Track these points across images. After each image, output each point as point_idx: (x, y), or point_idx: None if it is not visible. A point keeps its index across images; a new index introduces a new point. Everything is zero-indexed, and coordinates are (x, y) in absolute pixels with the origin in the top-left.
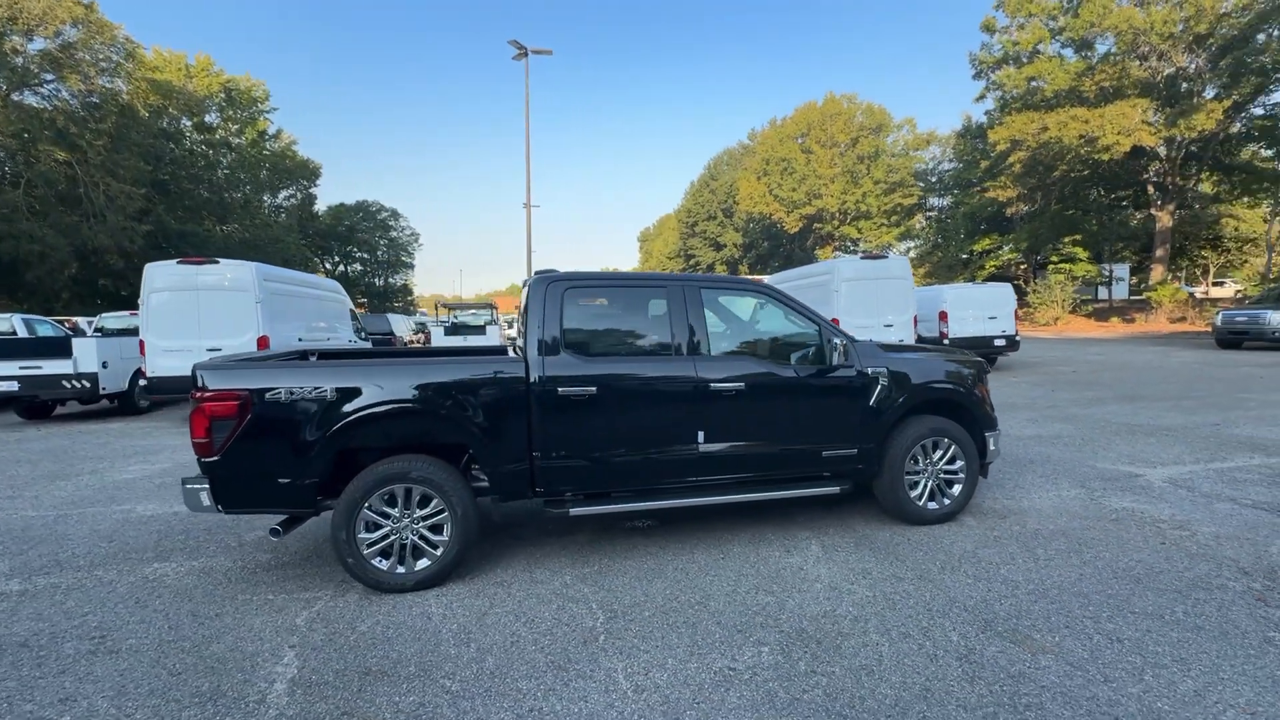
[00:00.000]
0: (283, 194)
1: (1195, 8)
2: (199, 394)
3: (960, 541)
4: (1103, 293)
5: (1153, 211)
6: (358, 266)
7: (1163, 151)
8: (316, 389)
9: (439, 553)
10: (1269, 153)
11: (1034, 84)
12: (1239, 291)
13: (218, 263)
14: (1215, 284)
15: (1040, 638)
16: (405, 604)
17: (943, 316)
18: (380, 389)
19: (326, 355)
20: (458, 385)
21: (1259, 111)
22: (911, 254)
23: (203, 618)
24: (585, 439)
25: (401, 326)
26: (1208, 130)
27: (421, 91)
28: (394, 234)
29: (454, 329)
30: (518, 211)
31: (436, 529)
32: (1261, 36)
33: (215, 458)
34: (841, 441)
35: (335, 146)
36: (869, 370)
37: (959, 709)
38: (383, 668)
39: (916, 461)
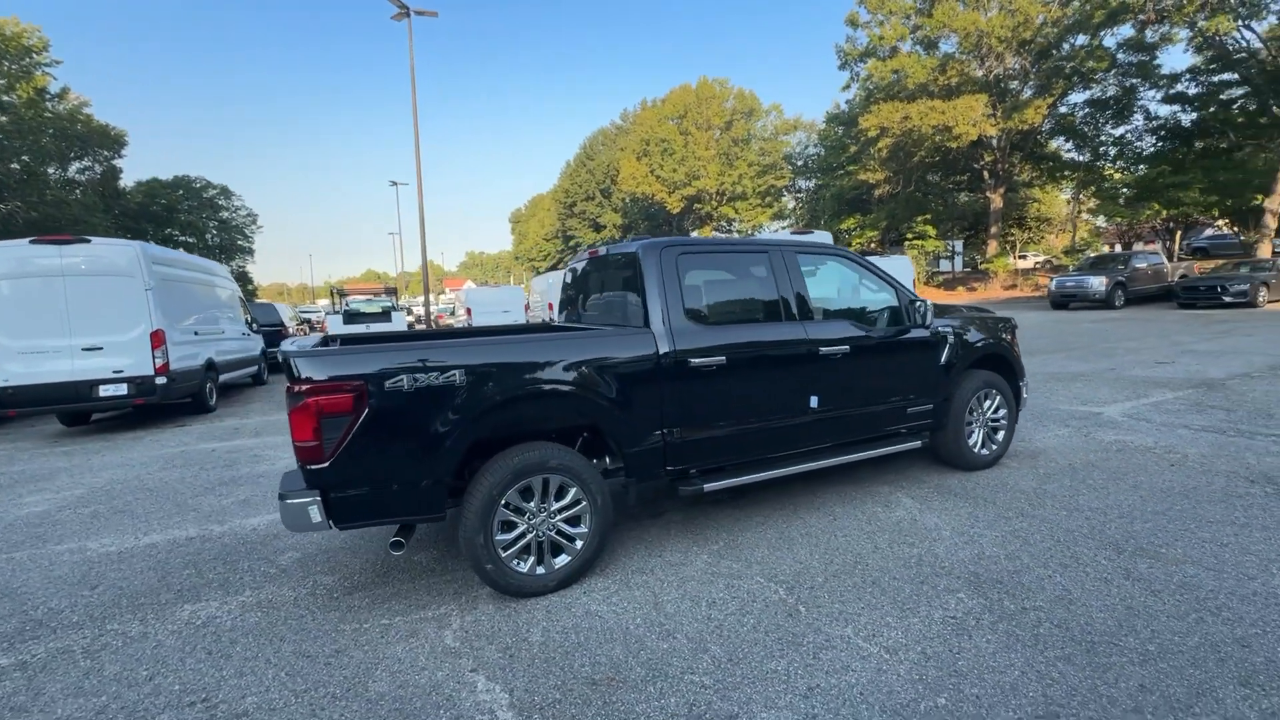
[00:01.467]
0: (75, 165)
1: (1023, 16)
2: (299, 387)
3: (1021, 481)
4: (944, 265)
5: (988, 194)
6: (182, 251)
7: (995, 142)
8: (446, 372)
9: (578, 546)
10: (1068, 145)
11: (897, 76)
12: (1038, 264)
13: (88, 242)
14: (1020, 257)
15: (1167, 551)
16: (559, 606)
17: None
18: (528, 368)
19: (349, 341)
20: (596, 362)
21: (1063, 110)
22: (782, 232)
23: (321, 658)
24: (714, 411)
25: (286, 316)
26: (1035, 124)
27: (262, 56)
28: (225, 215)
29: (351, 317)
30: (378, 192)
31: (572, 521)
32: (1067, 46)
33: (327, 463)
34: (923, 397)
35: (150, 114)
36: (939, 329)
37: (1170, 619)
38: (607, 675)
39: (971, 412)
